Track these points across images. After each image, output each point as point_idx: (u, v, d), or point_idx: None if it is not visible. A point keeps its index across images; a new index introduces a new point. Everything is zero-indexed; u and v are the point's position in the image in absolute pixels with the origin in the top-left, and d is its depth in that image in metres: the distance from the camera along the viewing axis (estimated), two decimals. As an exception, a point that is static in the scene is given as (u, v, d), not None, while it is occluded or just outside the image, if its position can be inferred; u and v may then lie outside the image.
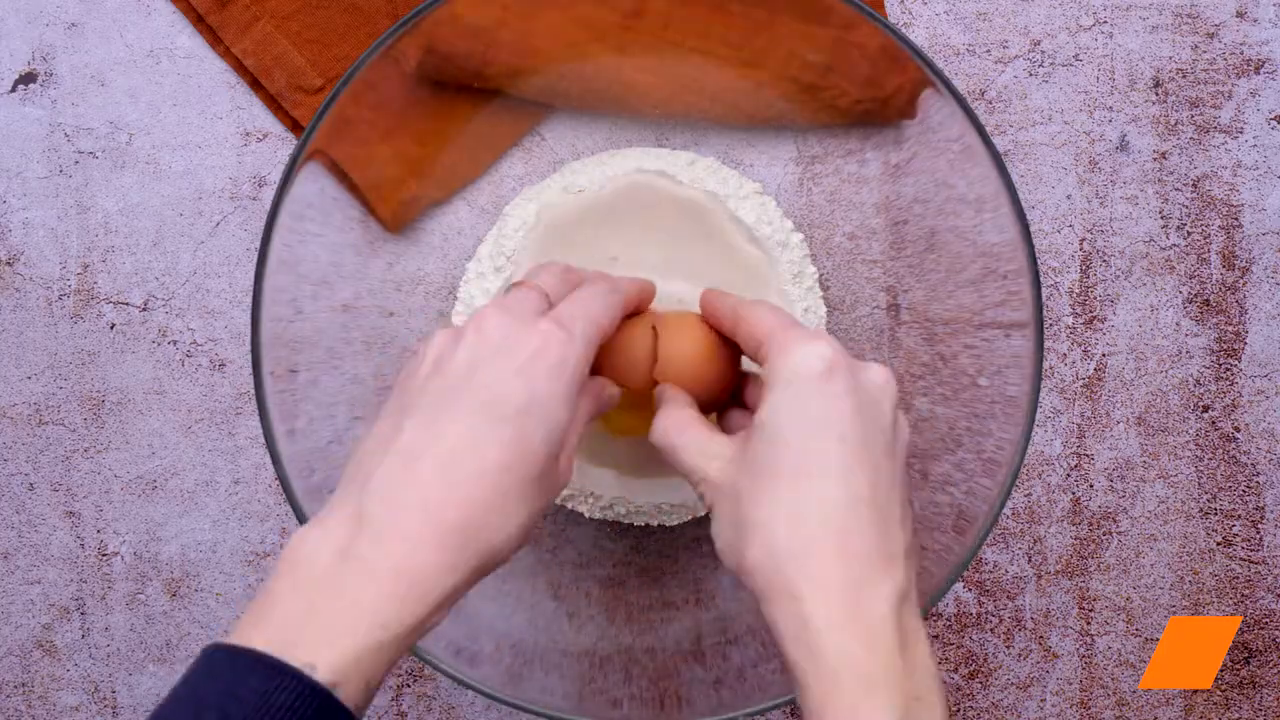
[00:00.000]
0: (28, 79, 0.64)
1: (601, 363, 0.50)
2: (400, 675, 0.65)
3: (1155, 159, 0.65)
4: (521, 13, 0.58)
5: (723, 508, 0.44)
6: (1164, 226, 0.65)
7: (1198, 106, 0.65)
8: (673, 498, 0.60)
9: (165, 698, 0.37)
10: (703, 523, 0.61)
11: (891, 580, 0.40)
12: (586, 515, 0.61)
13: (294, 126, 0.64)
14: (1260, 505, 0.65)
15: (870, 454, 0.41)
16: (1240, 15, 0.64)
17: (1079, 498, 0.65)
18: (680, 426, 0.46)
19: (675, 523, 0.61)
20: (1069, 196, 0.65)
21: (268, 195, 0.64)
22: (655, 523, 0.61)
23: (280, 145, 0.64)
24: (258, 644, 0.37)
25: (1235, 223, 0.65)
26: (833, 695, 0.38)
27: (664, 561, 0.62)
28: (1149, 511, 0.65)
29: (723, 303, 0.49)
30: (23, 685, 0.65)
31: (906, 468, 0.44)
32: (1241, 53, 0.64)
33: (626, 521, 0.61)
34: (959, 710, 0.66)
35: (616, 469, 0.61)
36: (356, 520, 0.39)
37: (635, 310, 0.52)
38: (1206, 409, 0.65)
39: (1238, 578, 0.65)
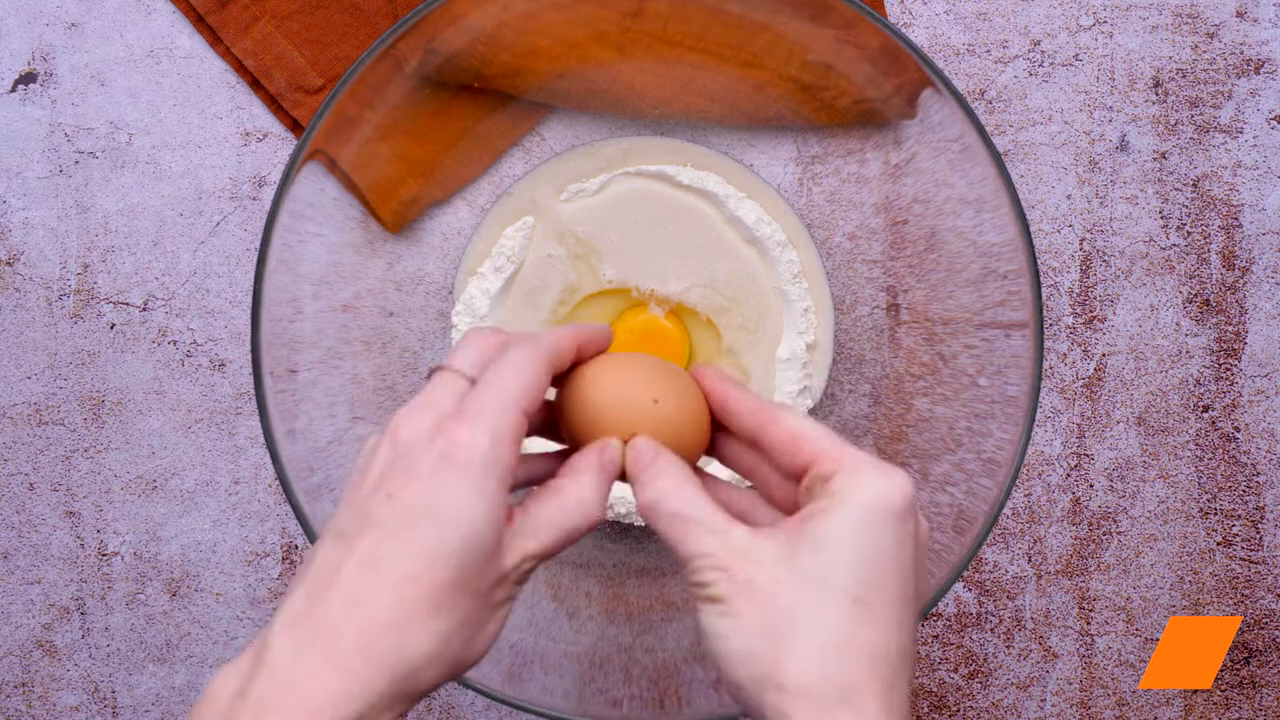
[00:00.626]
0: (28, 79, 0.64)
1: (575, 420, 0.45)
2: (400, 675, 0.65)
3: (1155, 159, 0.65)
4: (521, 13, 0.58)
5: (749, 609, 0.40)
6: (1164, 226, 0.65)
7: (1198, 106, 0.65)
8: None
9: None
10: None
11: None
12: (586, 515, 0.61)
13: (294, 126, 0.64)
14: (1260, 505, 0.65)
15: (912, 601, 0.40)
16: (1240, 15, 0.64)
17: (1079, 498, 0.65)
18: (689, 500, 0.42)
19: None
20: (1069, 196, 0.65)
21: (268, 195, 0.64)
22: (655, 523, 0.61)
23: (280, 145, 0.64)
24: None
25: (1235, 223, 0.65)
26: None
27: (664, 561, 0.62)
28: (1149, 511, 0.65)
29: (740, 399, 0.45)
30: (23, 685, 0.65)
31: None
32: (1241, 53, 0.64)
33: (626, 521, 0.61)
34: (959, 710, 0.66)
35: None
36: (259, 654, 0.38)
37: (585, 355, 0.46)
38: (1206, 409, 0.65)
39: (1238, 578, 0.65)
